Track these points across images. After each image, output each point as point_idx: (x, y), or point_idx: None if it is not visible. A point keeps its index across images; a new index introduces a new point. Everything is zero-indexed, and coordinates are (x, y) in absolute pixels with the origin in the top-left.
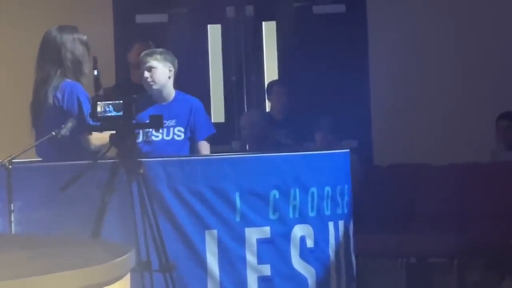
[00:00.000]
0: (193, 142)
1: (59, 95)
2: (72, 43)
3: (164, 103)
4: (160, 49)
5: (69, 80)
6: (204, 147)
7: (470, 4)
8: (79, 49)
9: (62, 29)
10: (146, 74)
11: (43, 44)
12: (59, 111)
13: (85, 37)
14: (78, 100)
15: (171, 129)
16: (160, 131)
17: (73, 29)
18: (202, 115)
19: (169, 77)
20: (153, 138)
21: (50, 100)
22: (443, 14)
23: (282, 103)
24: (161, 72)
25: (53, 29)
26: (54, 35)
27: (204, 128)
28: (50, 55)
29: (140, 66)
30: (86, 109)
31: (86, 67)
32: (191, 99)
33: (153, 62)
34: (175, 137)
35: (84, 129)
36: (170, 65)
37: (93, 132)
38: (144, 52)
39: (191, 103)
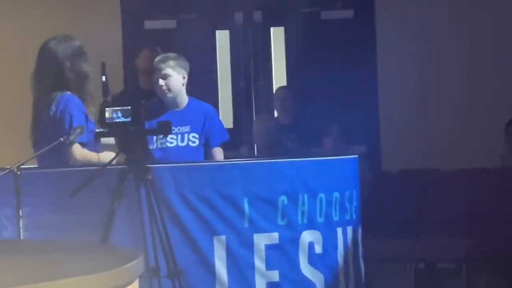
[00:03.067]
0: (207, 148)
1: (54, 107)
2: (68, 60)
3: (177, 109)
4: (173, 55)
5: (68, 93)
6: (219, 153)
7: (480, 9)
8: (79, 65)
9: (56, 45)
10: (161, 82)
11: (40, 59)
12: (51, 122)
13: (77, 44)
14: (70, 113)
15: (186, 135)
16: (175, 137)
17: (66, 42)
18: (217, 122)
19: (183, 84)
20: (168, 144)
21: (47, 112)
22: (451, 20)
23: (289, 108)
24: (175, 79)
25: (48, 46)
26: (50, 53)
27: (218, 134)
28: (49, 74)
29: (154, 72)
30: (76, 122)
31: (88, 79)
32: (205, 106)
33: (168, 70)
34: (190, 143)
35: (69, 142)
36: (184, 72)
37: (81, 148)
38: (158, 59)
39: (206, 110)
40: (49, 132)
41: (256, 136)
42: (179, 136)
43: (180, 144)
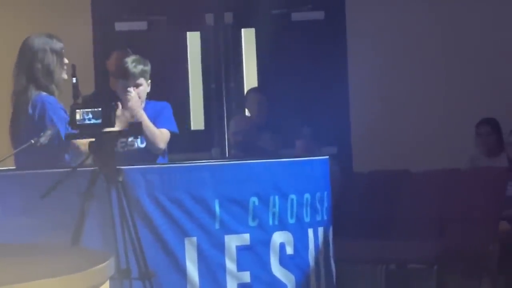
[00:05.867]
0: None
1: (30, 109)
2: (43, 53)
3: None
4: (139, 59)
5: (44, 93)
6: (165, 132)
7: (450, 11)
8: (49, 59)
9: (36, 38)
10: (134, 93)
11: (19, 53)
12: (31, 125)
13: (59, 45)
14: (49, 115)
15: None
16: (133, 138)
17: (47, 38)
18: (166, 112)
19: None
20: (129, 147)
21: (25, 113)
22: (422, 21)
23: (260, 110)
24: (145, 89)
25: (29, 39)
26: (28, 45)
27: (164, 121)
28: (23, 66)
29: (125, 77)
30: (57, 124)
31: (57, 75)
32: (158, 104)
33: (141, 80)
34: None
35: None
36: (149, 79)
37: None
38: (131, 65)
39: (156, 107)
40: (30, 134)
41: (232, 135)
42: (139, 137)
43: (140, 145)
